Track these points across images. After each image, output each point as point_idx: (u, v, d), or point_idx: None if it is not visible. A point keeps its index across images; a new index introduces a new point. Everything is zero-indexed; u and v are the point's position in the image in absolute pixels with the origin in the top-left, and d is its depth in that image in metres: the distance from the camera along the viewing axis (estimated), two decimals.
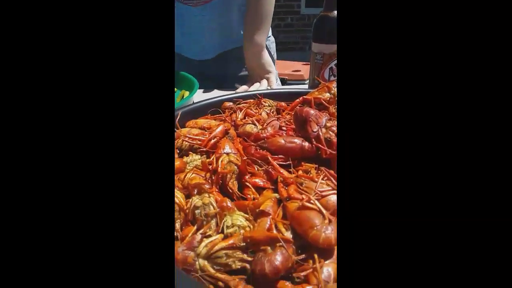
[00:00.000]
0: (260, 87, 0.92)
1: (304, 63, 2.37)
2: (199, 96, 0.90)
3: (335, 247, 0.31)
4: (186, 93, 0.78)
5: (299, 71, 2.25)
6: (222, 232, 0.34)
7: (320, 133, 0.45)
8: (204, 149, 0.49)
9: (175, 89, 0.83)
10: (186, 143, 0.51)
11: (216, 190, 0.41)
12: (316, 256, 0.30)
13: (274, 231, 0.32)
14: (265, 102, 0.66)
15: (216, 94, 0.91)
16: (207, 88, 0.98)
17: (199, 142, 0.50)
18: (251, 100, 0.67)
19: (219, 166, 0.42)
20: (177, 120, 0.57)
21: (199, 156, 0.48)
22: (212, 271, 0.30)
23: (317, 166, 0.43)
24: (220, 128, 0.53)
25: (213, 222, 0.35)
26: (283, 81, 1.98)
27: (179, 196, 0.38)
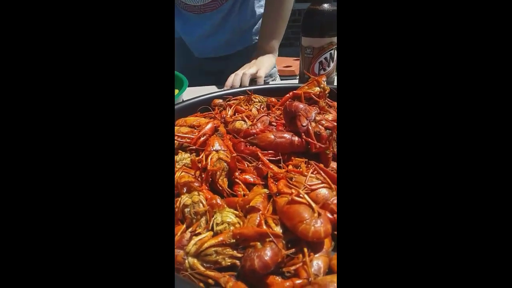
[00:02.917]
0: (247, 70, 0.90)
1: (295, 58, 2.36)
2: (192, 91, 0.89)
3: (325, 240, 0.31)
4: (176, 91, 0.78)
5: (290, 66, 2.24)
6: (212, 229, 0.33)
7: (310, 127, 0.45)
8: (194, 147, 0.49)
9: None
10: (176, 141, 0.50)
11: (206, 187, 0.40)
12: (305, 249, 0.30)
13: (264, 227, 0.32)
14: (255, 98, 0.66)
15: (214, 90, 0.89)
16: (205, 83, 0.96)
17: (188, 140, 0.50)
18: (241, 97, 0.66)
19: (209, 163, 0.42)
20: None
21: (189, 155, 0.48)
22: (201, 269, 0.30)
23: (306, 160, 0.43)
24: (209, 126, 0.52)
25: (203, 220, 0.35)
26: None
27: None
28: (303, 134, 0.45)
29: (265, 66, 0.94)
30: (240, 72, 0.88)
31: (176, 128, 0.54)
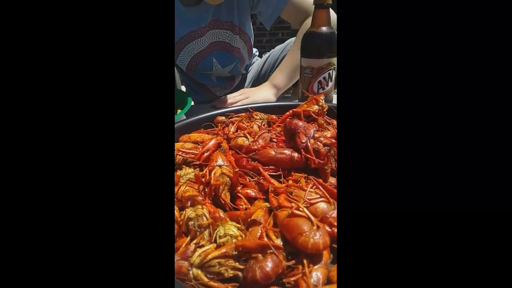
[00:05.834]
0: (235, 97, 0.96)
1: None
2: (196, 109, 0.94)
3: (323, 253, 0.32)
4: (179, 110, 0.81)
5: None
6: (215, 242, 0.35)
7: (309, 144, 0.47)
8: (198, 163, 0.51)
9: None
10: (180, 157, 0.52)
11: (209, 201, 0.42)
12: (305, 261, 0.31)
13: (265, 239, 0.33)
14: (256, 115, 0.68)
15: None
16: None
17: (192, 156, 0.52)
18: (243, 114, 0.69)
19: (212, 178, 0.43)
20: None
21: (192, 170, 0.50)
22: (205, 279, 0.31)
23: (306, 175, 0.45)
24: (212, 142, 0.55)
25: (206, 232, 0.36)
26: None
27: None
28: (302, 150, 0.47)
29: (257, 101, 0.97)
30: (230, 100, 0.94)
31: (180, 144, 0.57)
